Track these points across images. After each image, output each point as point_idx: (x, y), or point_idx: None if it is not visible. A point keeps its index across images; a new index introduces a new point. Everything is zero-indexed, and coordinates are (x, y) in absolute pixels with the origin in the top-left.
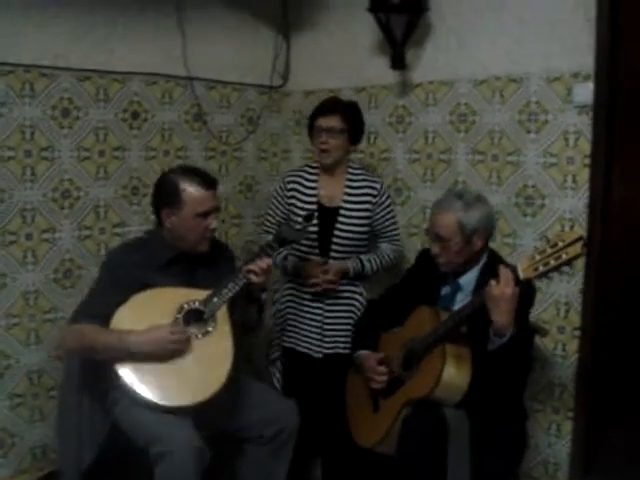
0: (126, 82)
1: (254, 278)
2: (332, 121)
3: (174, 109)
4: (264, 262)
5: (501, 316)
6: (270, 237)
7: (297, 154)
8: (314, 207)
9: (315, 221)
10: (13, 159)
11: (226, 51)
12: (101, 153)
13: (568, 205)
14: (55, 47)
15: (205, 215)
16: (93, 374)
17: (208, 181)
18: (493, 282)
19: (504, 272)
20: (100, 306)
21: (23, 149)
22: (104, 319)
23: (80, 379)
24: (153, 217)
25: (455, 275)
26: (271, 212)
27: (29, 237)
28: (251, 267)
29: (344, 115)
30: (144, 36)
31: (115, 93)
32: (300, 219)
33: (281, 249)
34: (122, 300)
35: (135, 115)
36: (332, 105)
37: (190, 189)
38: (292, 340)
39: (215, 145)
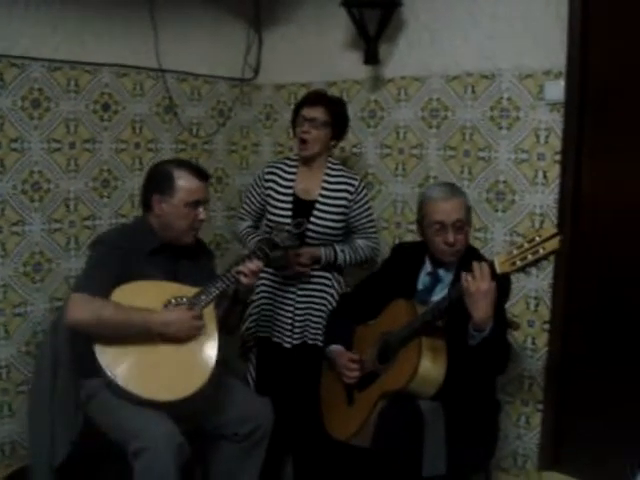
0: (97, 73)
1: (243, 279)
2: (316, 112)
3: (145, 101)
4: (254, 264)
5: (480, 312)
6: (242, 224)
7: (267, 147)
8: (290, 199)
9: (289, 213)
10: None
11: (198, 44)
12: (71, 145)
13: (539, 201)
14: (26, 38)
15: (195, 205)
16: (67, 367)
17: (201, 173)
18: (467, 277)
19: (478, 267)
20: (102, 280)
21: None
22: (106, 293)
23: (52, 373)
24: (134, 206)
25: (436, 265)
26: (247, 201)
27: None
28: (241, 268)
29: (329, 108)
30: (116, 28)
31: (86, 84)
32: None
33: (273, 253)
34: (118, 280)
35: (106, 107)
36: (318, 97)
37: (183, 178)
38: (266, 330)
39: (186, 138)
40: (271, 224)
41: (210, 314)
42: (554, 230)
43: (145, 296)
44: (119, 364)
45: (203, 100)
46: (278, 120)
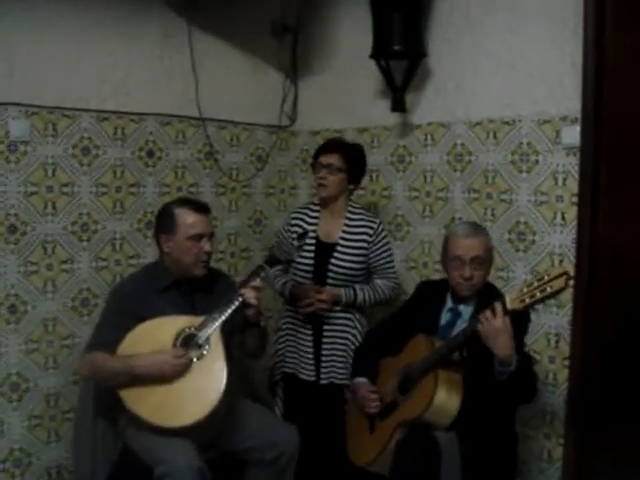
0: (142, 122)
1: (248, 295)
2: (332, 158)
3: (187, 148)
4: (255, 282)
5: (500, 349)
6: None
7: (303, 190)
8: (313, 241)
9: (311, 255)
10: (36, 194)
11: (237, 93)
12: (118, 189)
13: (557, 241)
14: (77, 90)
15: (198, 238)
16: (106, 399)
17: (200, 207)
18: (484, 316)
19: (491, 307)
20: (109, 333)
21: (45, 185)
22: (114, 345)
23: (94, 403)
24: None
25: (458, 301)
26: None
27: (49, 267)
28: (243, 290)
29: (344, 155)
30: (160, 79)
31: (132, 133)
32: (295, 241)
33: (273, 268)
34: (129, 326)
35: (150, 153)
36: (334, 144)
37: (183, 214)
38: (292, 366)
39: (225, 182)
40: (296, 266)
41: (217, 339)
42: (561, 269)
43: (158, 330)
44: (137, 399)
45: (242, 146)
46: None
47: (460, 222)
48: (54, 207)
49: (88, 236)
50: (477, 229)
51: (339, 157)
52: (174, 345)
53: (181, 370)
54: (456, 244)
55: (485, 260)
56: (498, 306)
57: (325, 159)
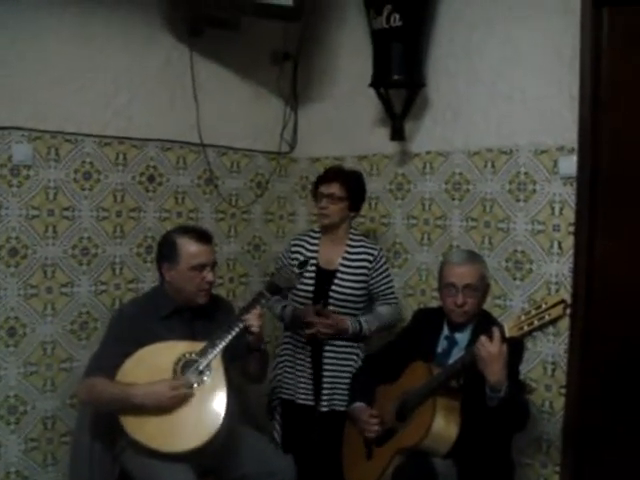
0: (143, 148)
1: (250, 322)
2: (332, 188)
3: (187, 174)
4: (256, 310)
5: (493, 374)
6: None
7: (302, 217)
8: (313, 268)
9: (312, 281)
10: (37, 217)
11: (238, 119)
12: (118, 213)
13: (554, 269)
14: (79, 115)
15: (201, 268)
16: (104, 422)
17: (203, 236)
18: (481, 341)
19: (489, 333)
20: (109, 358)
21: (47, 208)
22: (113, 370)
23: (92, 427)
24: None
25: (453, 329)
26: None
27: (49, 290)
28: (244, 317)
29: (345, 183)
30: (161, 105)
31: (133, 158)
32: (295, 268)
33: (274, 296)
34: (129, 352)
35: (151, 179)
36: (334, 174)
37: (186, 244)
38: (289, 392)
39: (225, 208)
40: (296, 293)
41: (218, 365)
42: (559, 298)
43: (159, 356)
44: (137, 423)
45: (242, 172)
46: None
47: (456, 249)
48: (55, 231)
49: (88, 260)
50: (471, 256)
51: (340, 186)
52: (174, 370)
53: (180, 401)
54: (450, 271)
55: (478, 288)
56: (496, 331)
57: (326, 189)
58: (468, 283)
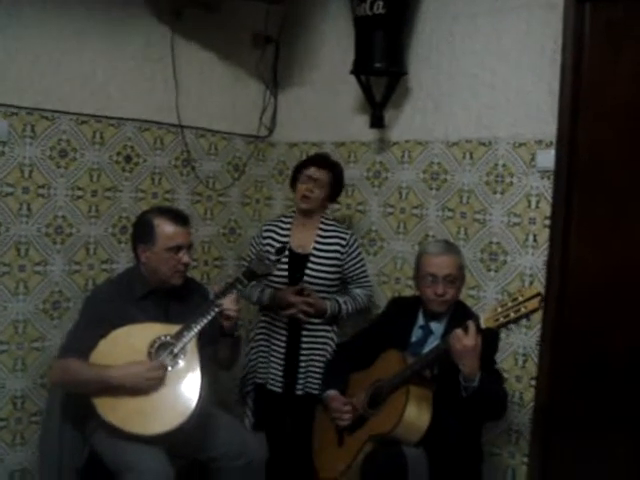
0: (121, 127)
1: (227, 307)
2: (321, 174)
3: (165, 154)
4: (232, 295)
5: (466, 366)
6: None
7: (279, 201)
8: (286, 253)
9: (285, 266)
10: (11, 195)
11: (217, 102)
12: (94, 193)
13: (529, 262)
14: (57, 92)
15: (177, 249)
16: (74, 403)
17: (180, 218)
18: (457, 334)
19: (465, 326)
20: (84, 340)
21: (21, 186)
22: (88, 352)
23: (62, 407)
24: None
25: (430, 317)
26: (248, 258)
27: (22, 269)
28: (220, 301)
29: (332, 172)
30: (140, 85)
31: (110, 137)
32: (272, 255)
33: (251, 282)
34: (103, 333)
35: (128, 158)
36: (324, 161)
37: (163, 225)
38: (264, 377)
39: (202, 190)
40: (271, 278)
41: (193, 349)
42: (535, 291)
43: (134, 337)
44: (110, 405)
45: (219, 155)
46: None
47: (432, 240)
48: (29, 209)
49: (62, 239)
50: (449, 247)
51: (328, 173)
52: (149, 352)
53: (156, 382)
54: (429, 261)
55: (457, 278)
56: (472, 325)
57: (315, 172)
58: (448, 273)
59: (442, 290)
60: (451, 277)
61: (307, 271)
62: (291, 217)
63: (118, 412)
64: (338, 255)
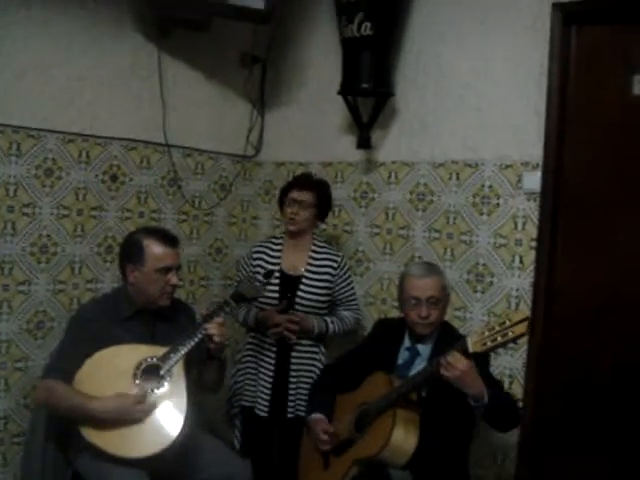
0: (107, 146)
1: (212, 331)
2: (304, 195)
3: (151, 174)
4: (220, 318)
5: (470, 388)
6: None
7: (265, 221)
8: (277, 274)
9: (276, 287)
10: None
11: (204, 121)
12: (79, 212)
13: (515, 284)
14: (43, 111)
15: (166, 271)
16: (58, 424)
17: (170, 239)
18: (444, 365)
19: (448, 357)
20: (69, 360)
21: (6, 205)
22: (73, 372)
23: (46, 428)
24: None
25: (417, 339)
26: (237, 280)
27: (6, 288)
28: (207, 325)
29: (317, 192)
30: (127, 104)
31: (96, 156)
32: (260, 277)
33: (239, 305)
34: (88, 353)
35: (114, 178)
36: (307, 181)
37: (152, 246)
38: (251, 400)
39: (188, 209)
40: (261, 300)
41: (179, 372)
42: (523, 315)
43: (119, 359)
44: (94, 427)
45: (206, 174)
46: (276, 195)
47: (414, 262)
48: (14, 227)
49: (47, 258)
50: (432, 268)
51: (312, 194)
52: (135, 374)
53: (143, 415)
54: (411, 284)
55: (441, 299)
56: (455, 356)
57: (298, 195)
58: (431, 295)
59: (426, 312)
60: (434, 299)
61: (299, 292)
62: (281, 238)
63: (102, 434)
64: (329, 277)
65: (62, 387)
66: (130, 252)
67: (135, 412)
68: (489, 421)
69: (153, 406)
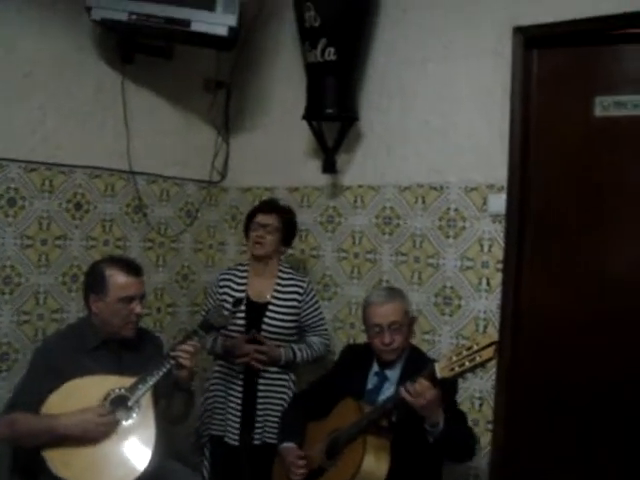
0: (71, 174)
1: (182, 361)
2: (270, 219)
3: (116, 201)
4: (189, 346)
5: (430, 415)
6: None
7: (232, 247)
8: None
9: (243, 315)
10: None
11: (168, 147)
12: (43, 242)
13: (482, 306)
14: (5, 140)
15: (129, 300)
16: (24, 458)
17: (133, 268)
18: (406, 394)
19: (414, 385)
20: (33, 394)
21: None
22: (37, 406)
23: (11, 463)
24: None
25: (383, 366)
26: (205, 308)
27: None
28: (175, 353)
29: (282, 216)
30: (91, 131)
31: (60, 184)
32: (229, 305)
33: (208, 334)
34: (54, 386)
35: (78, 206)
36: (272, 205)
37: (115, 275)
38: (220, 429)
39: (154, 236)
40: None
41: (148, 403)
42: (490, 339)
43: (86, 390)
44: (62, 460)
45: (171, 201)
46: (243, 221)
47: (375, 289)
48: None
49: (11, 289)
50: (392, 294)
51: (276, 217)
52: (102, 406)
53: (105, 430)
54: (373, 312)
55: (403, 324)
56: (424, 382)
57: (263, 219)
58: (393, 321)
59: (389, 339)
60: (397, 324)
61: (265, 319)
62: (247, 265)
63: (70, 466)
64: (296, 303)
65: (24, 416)
66: (93, 282)
67: (99, 424)
68: (439, 449)
69: (115, 421)
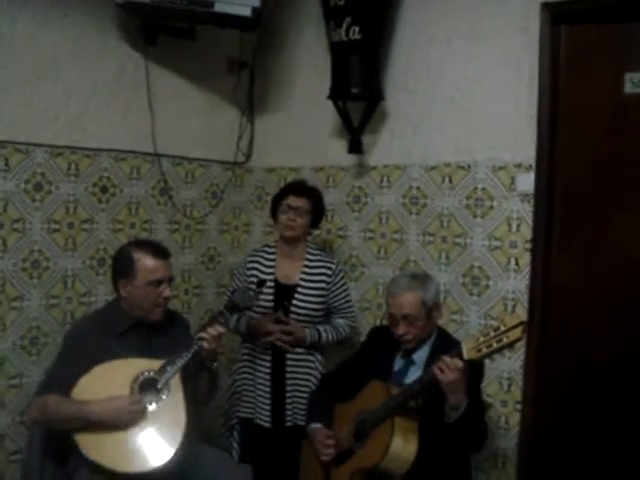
0: (96, 158)
1: (205, 345)
2: (301, 201)
3: (141, 184)
4: (215, 329)
5: (452, 396)
6: None
7: (258, 228)
8: (272, 284)
9: (271, 297)
10: None
11: (193, 129)
12: (70, 225)
13: (511, 286)
14: (30, 124)
15: (157, 283)
16: (56, 440)
17: (160, 251)
18: (437, 370)
19: (446, 361)
20: (63, 377)
21: None
22: (68, 390)
23: (43, 445)
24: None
25: (408, 351)
26: (231, 289)
27: None
28: (202, 335)
29: (312, 199)
30: (115, 114)
31: (86, 168)
32: (253, 286)
33: (233, 315)
34: (84, 370)
35: (104, 189)
36: (302, 187)
37: (143, 259)
38: (249, 411)
39: (179, 219)
40: (255, 309)
41: (177, 385)
42: (517, 319)
43: (116, 373)
44: (93, 443)
45: (197, 183)
46: (268, 202)
47: (399, 274)
48: (4, 244)
49: (39, 273)
50: (411, 284)
51: (307, 200)
52: (132, 388)
53: (137, 417)
54: (390, 301)
55: (418, 317)
56: (454, 362)
57: (294, 201)
58: (406, 314)
59: (402, 331)
60: (410, 317)
61: (294, 302)
62: (275, 247)
63: (101, 450)
64: (324, 285)
65: (55, 399)
66: (121, 266)
67: (130, 412)
68: (452, 433)
69: (146, 408)
